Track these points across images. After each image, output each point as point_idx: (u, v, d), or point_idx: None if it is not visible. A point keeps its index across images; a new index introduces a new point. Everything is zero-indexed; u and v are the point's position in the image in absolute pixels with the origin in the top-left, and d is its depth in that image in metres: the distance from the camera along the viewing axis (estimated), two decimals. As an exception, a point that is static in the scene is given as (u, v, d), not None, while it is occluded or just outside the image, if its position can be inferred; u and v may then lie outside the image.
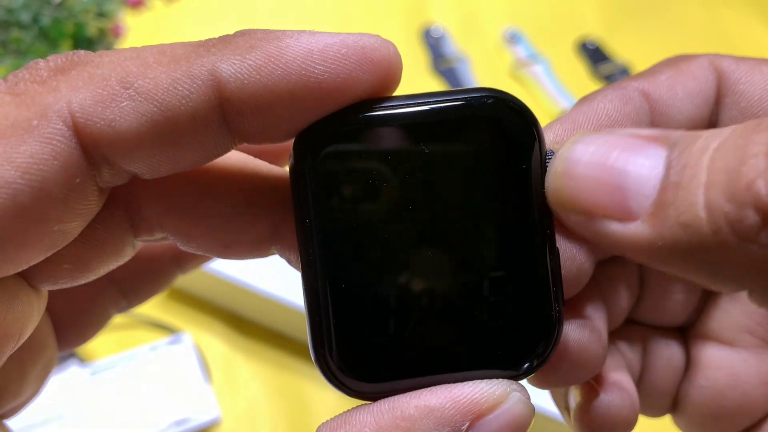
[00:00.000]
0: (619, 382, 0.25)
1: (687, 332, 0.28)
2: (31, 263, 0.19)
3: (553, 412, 0.50)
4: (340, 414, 0.19)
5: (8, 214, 0.17)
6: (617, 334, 0.27)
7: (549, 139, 0.22)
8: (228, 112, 0.18)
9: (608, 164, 0.18)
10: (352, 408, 0.19)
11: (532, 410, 0.19)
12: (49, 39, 0.65)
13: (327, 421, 0.19)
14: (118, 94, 0.17)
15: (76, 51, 0.18)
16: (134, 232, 0.22)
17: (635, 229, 0.18)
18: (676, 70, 0.24)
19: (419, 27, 0.87)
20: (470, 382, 0.19)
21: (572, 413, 0.25)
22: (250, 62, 0.18)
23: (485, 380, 0.19)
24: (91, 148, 0.18)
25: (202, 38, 0.19)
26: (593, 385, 0.24)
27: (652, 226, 0.17)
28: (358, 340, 0.20)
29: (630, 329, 0.27)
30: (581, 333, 0.23)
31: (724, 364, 0.26)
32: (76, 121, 0.17)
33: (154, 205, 0.21)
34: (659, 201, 0.17)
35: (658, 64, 0.25)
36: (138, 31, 0.82)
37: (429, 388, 0.19)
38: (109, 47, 0.72)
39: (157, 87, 0.18)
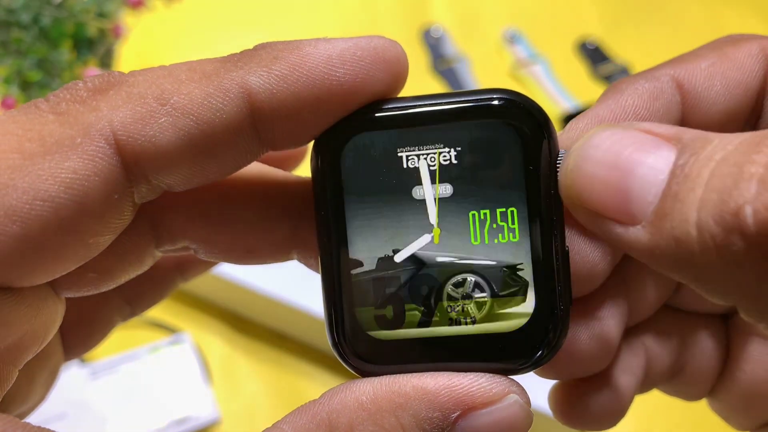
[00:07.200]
0: (613, 383, 0.25)
1: (729, 320, 0.27)
2: (64, 272, 0.19)
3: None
4: (346, 381, 0.20)
5: (51, 227, 0.18)
6: (648, 324, 0.26)
7: (572, 135, 0.22)
8: (258, 121, 0.19)
9: (618, 165, 0.18)
10: (358, 378, 0.20)
11: (528, 416, 0.20)
12: (49, 39, 0.65)
13: (334, 387, 0.20)
14: (156, 110, 0.18)
15: (110, 72, 0.19)
16: (157, 243, 0.23)
17: (636, 234, 0.18)
18: (720, 57, 0.23)
19: (419, 27, 0.87)
20: (472, 374, 0.20)
21: (551, 389, 0.26)
22: (277, 72, 0.19)
23: (488, 375, 0.20)
24: (132, 164, 0.19)
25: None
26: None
27: (651, 234, 0.17)
28: (368, 324, 0.21)
29: (668, 317, 0.27)
30: (583, 335, 0.23)
31: (764, 359, 0.26)
32: (118, 138, 0.18)
33: (179, 215, 0.22)
34: (658, 210, 0.17)
35: (705, 46, 0.24)
36: (138, 31, 0.82)
37: (432, 372, 0.20)
38: (109, 47, 0.72)
39: (192, 102, 0.18)
